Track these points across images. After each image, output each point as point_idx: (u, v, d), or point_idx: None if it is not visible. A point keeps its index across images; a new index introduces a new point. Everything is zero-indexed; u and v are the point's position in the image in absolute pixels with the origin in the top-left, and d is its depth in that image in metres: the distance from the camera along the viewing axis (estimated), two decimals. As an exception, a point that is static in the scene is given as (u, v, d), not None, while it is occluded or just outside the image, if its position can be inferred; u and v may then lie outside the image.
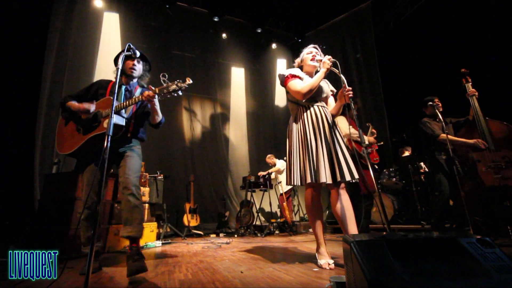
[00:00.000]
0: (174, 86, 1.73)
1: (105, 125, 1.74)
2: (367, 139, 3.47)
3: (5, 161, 3.61)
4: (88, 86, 2.05)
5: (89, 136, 1.81)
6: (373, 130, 3.34)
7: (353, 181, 1.74)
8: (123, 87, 2.00)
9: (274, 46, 7.21)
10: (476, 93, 2.76)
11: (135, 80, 2.07)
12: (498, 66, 3.81)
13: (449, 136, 2.70)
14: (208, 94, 6.60)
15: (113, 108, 1.37)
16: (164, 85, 1.77)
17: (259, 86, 7.31)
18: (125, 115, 1.87)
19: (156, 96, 1.80)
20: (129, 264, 1.57)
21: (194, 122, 6.27)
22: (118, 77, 1.60)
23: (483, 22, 4.11)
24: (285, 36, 7.17)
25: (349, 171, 1.72)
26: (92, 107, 1.86)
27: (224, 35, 6.63)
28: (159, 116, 1.97)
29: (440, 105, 2.89)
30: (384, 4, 5.85)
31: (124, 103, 1.81)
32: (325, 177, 1.68)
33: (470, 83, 2.81)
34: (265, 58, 7.34)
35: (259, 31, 6.51)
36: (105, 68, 4.89)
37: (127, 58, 1.98)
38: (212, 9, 5.95)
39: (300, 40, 6.99)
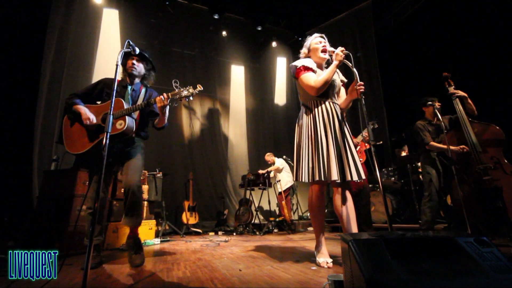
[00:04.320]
0: (185, 92, 1.86)
1: (117, 126, 1.85)
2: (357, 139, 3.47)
3: (4, 157, 3.60)
4: (94, 84, 2.10)
5: (100, 137, 1.91)
6: (365, 134, 3.31)
7: (359, 181, 1.72)
8: (129, 87, 2.07)
9: (274, 44, 7.17)
10: (458, 93, 2.75)
11: (137, 80, 2.13)
12: (497, 65, 3.81)
13: (437, 144, 2.79)
14: (207, 92, 6.57)
15: (112, 107, 1.39)
16: (176, 90, 1.88)
17: (259, 85, 7.29)
18: (134, 116, 1.98)
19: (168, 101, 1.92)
20: (132, 257, 1.85)
21: (193, 120, 6.26)
22: (121, 76, 1.57)
23: (484, 21, 4.11)
24: (285, 34, 7.13)
25: (356, 171, 1.70)
26: (94, 120, 1.92)
27: (224, 33, 6.59)
28: (165, 121, 2.08)
29: (440, 107, 2.85)
30: (385, 3, 5.83)
31: (134, 106, 1.90)
32: (336, 175, 1.64)
33: (453, 87, 2.81)
34: (265, 56, 7.31)
35: (259, 29, 6.47)
36: (104, 65, 4.87)
37: (126, 56, 2.04)
38: (212, 6, 5.91)
39: (300, 39, 6.96)
